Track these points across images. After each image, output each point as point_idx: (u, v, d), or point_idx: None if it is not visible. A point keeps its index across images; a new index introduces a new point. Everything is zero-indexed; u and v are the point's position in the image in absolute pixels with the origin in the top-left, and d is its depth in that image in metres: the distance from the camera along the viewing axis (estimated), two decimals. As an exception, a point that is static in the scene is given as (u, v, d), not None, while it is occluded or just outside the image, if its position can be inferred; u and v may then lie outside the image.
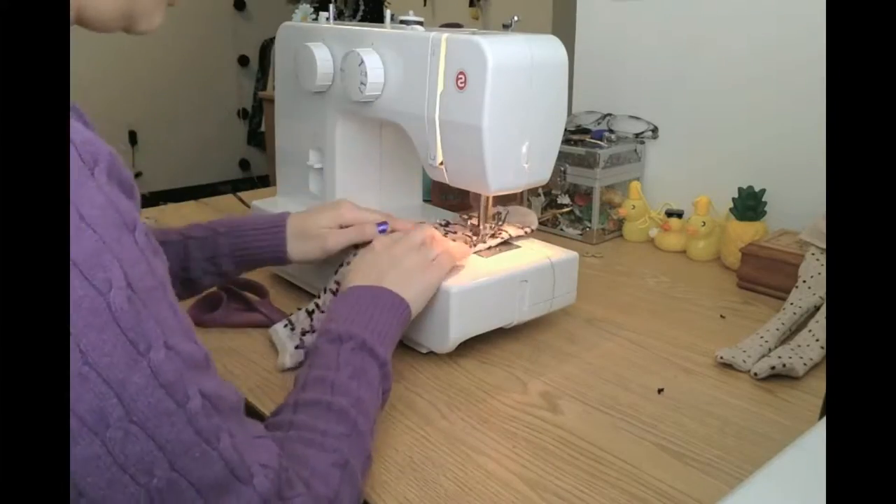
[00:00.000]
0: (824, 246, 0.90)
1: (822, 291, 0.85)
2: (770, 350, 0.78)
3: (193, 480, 0.42)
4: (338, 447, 0.54)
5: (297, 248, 0.83)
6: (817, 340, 0.78)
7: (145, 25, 0.56)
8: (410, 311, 0.70)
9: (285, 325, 0.80)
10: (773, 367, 0.74)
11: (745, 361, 0.76)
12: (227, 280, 0.86)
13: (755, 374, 0.74)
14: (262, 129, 3.77)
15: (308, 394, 0.58)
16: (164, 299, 0.42)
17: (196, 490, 0.42)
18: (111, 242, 0.39)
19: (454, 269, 0.77)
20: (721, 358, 0.77)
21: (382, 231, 0.82)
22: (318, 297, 0.80)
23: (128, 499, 0.40)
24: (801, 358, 0.75)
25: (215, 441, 0.43)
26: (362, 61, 0.81)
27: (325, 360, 0.62)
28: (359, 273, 0.73)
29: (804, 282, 0.88)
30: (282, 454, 0.49)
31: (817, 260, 0.89)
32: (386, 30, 0.84)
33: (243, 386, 0.73)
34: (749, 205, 1.03)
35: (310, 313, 0.80)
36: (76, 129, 0.40)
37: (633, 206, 1.16)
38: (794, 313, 0.84)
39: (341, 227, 0.84)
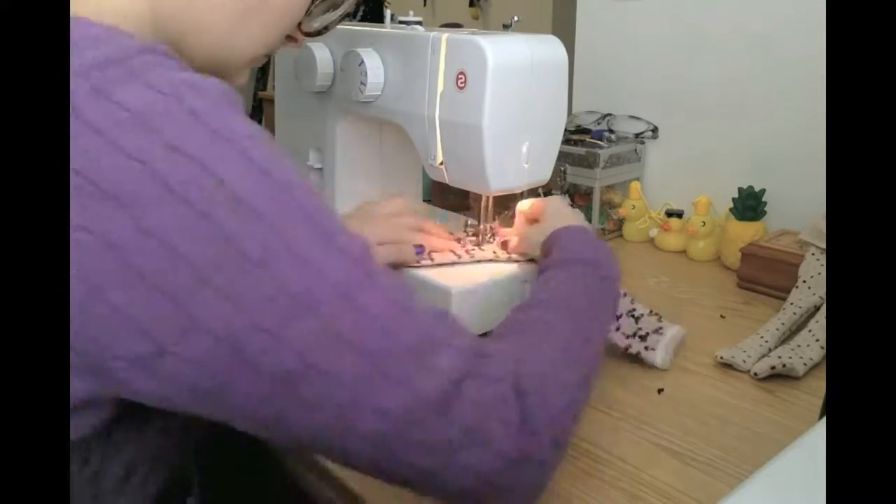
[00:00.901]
0: (824, 246, 0.90)
1: (822, 291, 0.85)
2: (770, 350, 0.78)
3: (405, 342, 0.44)
4: (567, 343, 0.55)
5: None
6: (817, 340, 0.78)
7: (234, 82, 0.58)
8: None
9: None
10: (773, 367, 0.74)
11: (745, 361, 0.76)
12: None
13: (755, 374, 0.74)
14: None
15: (545, 294, 0.62)
16: (320, 198, 0.46)
17: (411, 353, 0.44)
18: (275, 149, 0.44)
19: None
20: (721, 358, 0.77)
21: (419, 254, 0.83)
22: None
23: (352, 364, 0.42)
24: (801, 358, 0.75)
25: (412, 309, 0.46)
26: (362, 61, 0.81)
27: (566, 275, 0.65)
28: (554, 221, 0.78)
29: (804, 282, 0.88)
30: (496, 334, 0.55)
31: (817, 260, 0.89)
32: (386, 30, 0.84)
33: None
34: (749, 205, 1.03)
35: None
36: (212, 79, 0.44)
37: (633, 206, 1.16)
38: (794, 313, 0.84)
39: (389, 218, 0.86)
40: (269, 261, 0.40)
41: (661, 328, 0.79)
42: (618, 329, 0.78)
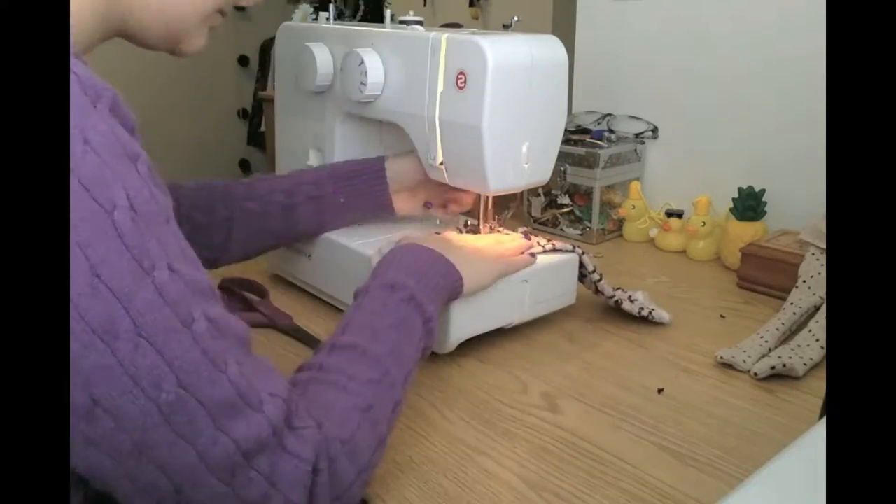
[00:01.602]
0: (824, 246, 0.90)
1: (822, 291, 0.85)
2: (770, 350, 0.78)
3: (202, 399, 0.43)
4: (362, 391, 0.55)
5: (400, 202, 0.88)
6: (817, 340, 0.78)
7: (188, 47, 0.58)
8: (463, 286, 0.72)
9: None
10: (773, 367, 0.74)
11: (745, 361, 0.76)
12: (324, 228, 0.88)
13: (755, 374, 0.74)
14: (262, 129, 3.77)
15: (346, 337, 0.59)
16: (167, 227, 0.44)
17: (205, 409, 0.43)
18: (115, 166, 0.41)
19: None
20: (721, 358, 0.77)
21: (429, 205, 0.90)
22: None
23: (139, 410, 0.41)
24: (801, 358, 0.75)
25: (223, 364, 0.44)
26: (362, 61, 0.81)
27: (373, 305, 0.63)
28: (428, 240, 0.76)
29: (804, 282, 0.88)
30: (299, 390, 0.51)
31: (817, 260, 0.89)
32: (386, 30, 0.84)
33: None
34: (749, 205, 1.03)
35: None
36: (78, 65, 0.42)
37: (633, 206, 1.16)
38: (794, 313, 0.84)
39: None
40: (73, 286, 0.38)
41: (631, 295, 0.88)
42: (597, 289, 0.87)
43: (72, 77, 0.41)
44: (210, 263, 0.81)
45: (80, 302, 0.39)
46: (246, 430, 0.44)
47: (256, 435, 0.45)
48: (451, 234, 0.82)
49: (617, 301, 0.87)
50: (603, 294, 0.88)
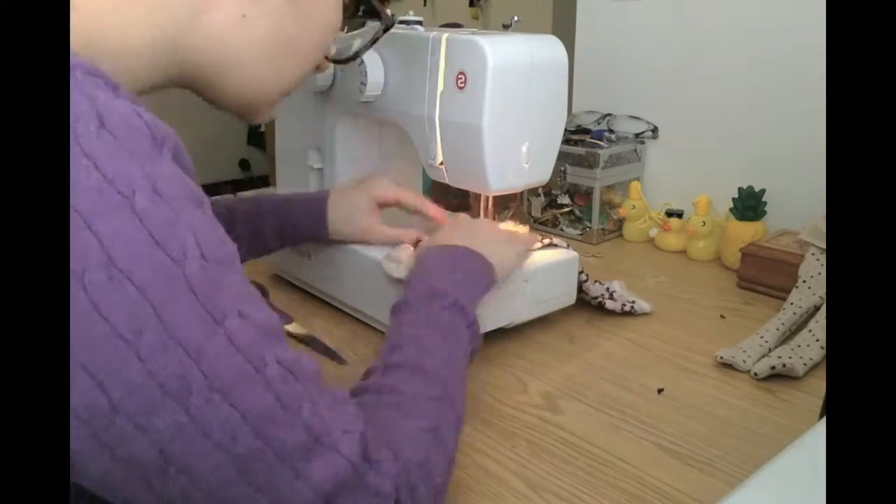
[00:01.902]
0: (824, 246, 0.90)
1: (822, 291, 0.85)
2: (770, 350, 0.78)
3: (277, 447, 0.41)
4: (427, 411, 0.53)
5: (338, 229, 0.85)
6: (817, 340, 0.78)
7: (260, 118, 0.58)
8: (496, 275, 0.72)
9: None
10: (773, 367, 0.74)
11: (744, 361, 0.76)
12: (266, 253, 0.88)
13: (755, 374, 0.74)
14: (262, 129, 3.76)
15: (397, 355, 0.57)
16: (235, 269, 0.43)
17: (280, 457, 0.41)
18: (184, 213, 0.40)
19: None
20: (721, 358, 0.77)
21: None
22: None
23: (215, 466, 0.40)
24: (801, 358, 0.75)
25: (297, 408, 0.42)
26: (362, 61, 0.81)
27: (416, 317, 0.62)
28: (452, 234, 0.75)
29: (804, 282, 0.88)
30: (366, 418, 0.48)
31: (817, 260, 0.89)
32: (386, 30, 0.84)
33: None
34: (749, 205, 1.03)
35: None
36: (142, 110, 0.41)
37: (633, 206, 1.16)
38: (794, 313, 0.84)
39: (379, 204, 0.85)
40: (139, 341, 0.37)
41: (609, 288, 0.91)
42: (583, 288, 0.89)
43: (139, 121, 0.40)
44: None
45: (151, 358, 0.37)
46: (324, 471, 0.43)
47: (335, 476, 0.43)
48: (469, 219, 0.82)
49: (600, 302, 0.89)
50: (587, 294, 0.89)
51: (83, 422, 0.36)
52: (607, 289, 0.90)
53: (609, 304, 0.89)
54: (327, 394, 0.46)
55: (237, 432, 0.40)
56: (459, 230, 0.77)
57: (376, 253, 0.82)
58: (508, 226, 0.87)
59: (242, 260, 0.83)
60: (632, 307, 0.89)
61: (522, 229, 0.87)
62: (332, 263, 0.88)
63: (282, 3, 0.52)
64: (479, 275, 0.70)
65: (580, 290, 0.88)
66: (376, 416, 0.51)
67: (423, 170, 0.88)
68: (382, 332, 0.81)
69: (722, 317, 0.90)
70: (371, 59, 0.82)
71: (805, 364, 0.75)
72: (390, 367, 0.57)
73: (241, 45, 0.51)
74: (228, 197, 0.87)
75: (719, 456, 0.63)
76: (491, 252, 0.72)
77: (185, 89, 0.55)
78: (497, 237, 0.77)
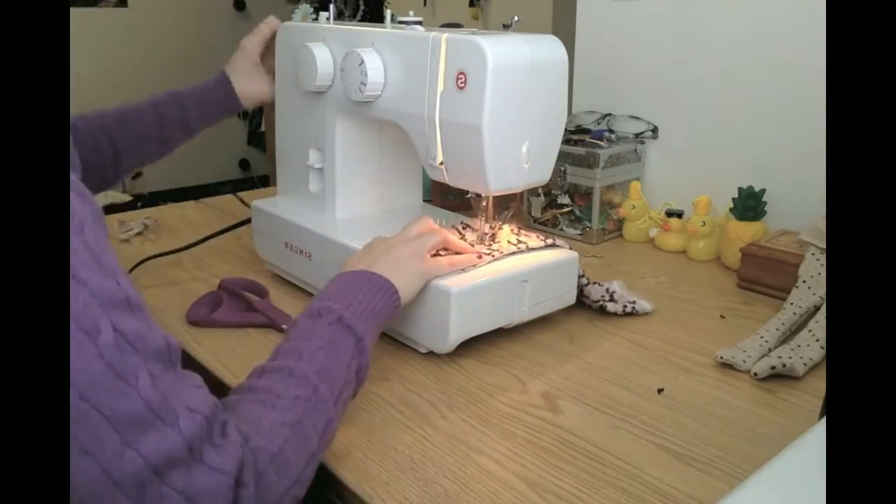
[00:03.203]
0: (824, 246, 0.90)
1: (822, 291, 0.85)
2: (770, 350, 0.78)
3: (105, 413, 0.42)
4: (290, 407, 0.55)
5: (246, 90, 1.03)
6: (817, 340, 0.78)
7: None
8: (399, 294, 0.71)
9: None
10: (773, 367, 0.74)
11: (745, 361, 0.76)
12: (191, 136, 1.07)
13: (755, 374, 0.74)
14: (262, 129, 3.77)
15: (274, 362, 0.60)
16: (77, 237, 0.44)
17: (109, 423, 0.42)
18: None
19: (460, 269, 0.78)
20: (721, 358, 0.77)
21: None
22: None
23: None
24: (801, 358, 0.75)
25: (133, 378, 0.44)
26: (362, 61, 0.81)
27: (300, 332, 0.64)
28: (354, 259, 0.76)
29: (804, 282, 0.88)
30: (230, 409, 0.52)
31: (817, 260, 0.89)
32: (386, 30, 0.84)
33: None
34: (749, 205, 1.03)
35: None
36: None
37: (633, 206, 1.16)
38: (794, 313, 0.84)
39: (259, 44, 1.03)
40: None
41: (609, 289, 0.90)
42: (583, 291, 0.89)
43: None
44: (105, 187, 0.99)
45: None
46: (157, 444, 0.44)
47: (168, 450, 0.44)
48: (380, 241, 0.78)
49: (601, 306, 0.89)
50: (588, 298, 0.89)
51: None
52: (607, 290, 0.90)
53: (610, 307, 0.89)
54: (178, 374, 0.48)
55: (75, 388, 0.41)
56: (364, 252, 0.77)
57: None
58: (413, 228, 0.80)
59: (174, 146, 1.05)
60: (633, 308, 0.89)
61: (460, 246, 0.81)
62: (333, 263, 0.88)
63: None
64: (378, 296, 0.69)
65: (581, 293, 0.88)
66: (240, 408, 0.54)
67: (423, 170, 0.88)
68: (383, 333, 0.81)
69: (722, 317, 0.90)
70: (371, 58, 0.82)
71: (805, 364, 0.75)
72: (265, 371, 0.59)
73: None
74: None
75: (719, 456, 0.63)
76: (392, 270, 0.72)
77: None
78: (402, 251, 0.75)
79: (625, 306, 0.89)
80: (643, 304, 0.89)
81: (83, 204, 0.45)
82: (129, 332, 0.45)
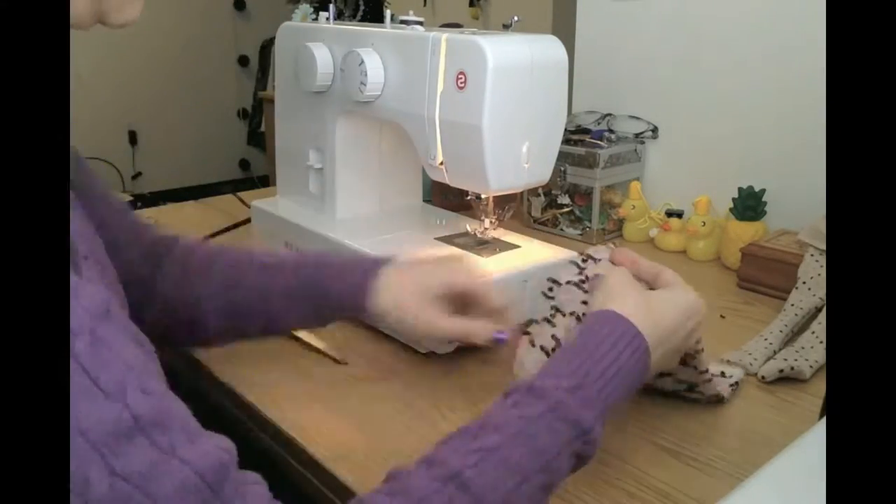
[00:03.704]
0: (822, 247, 0.89)
1: (822, 293, 0.85)
2: (775, 352, 0.78)
3: None
4: None
5: (384, 310, 0.67)
6: (821, 343, 0.78)
7: (119, 19, 0.52)
8: (645, 378, 0.56)
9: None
10: (781, 371, 0.73)
11: (751, 364, 0.76)
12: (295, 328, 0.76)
13: (763, 377, 0.74)
14: (262, 129, 3.77)
15: (446, 454, 0.47)
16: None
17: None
18: None
19: None
20: (728, 361, 0.77)
21: (501, 341, 0.67)
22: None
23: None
24: (807, 360, 0.75)
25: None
26: (362, 61, 0.81)
27: (504, 416, 0.50)
28: (624, 296, 0.58)
29: (804, 283, 0.88)
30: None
31: (816, 261, 0.89)
32: (386, 30, 0.85)
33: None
34: (749, 205, 1.03)
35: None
36: None
37: (633, 206, 1.16)
38: (796, 315, 0.84)
39: (452, 295, 0.68)
40: None
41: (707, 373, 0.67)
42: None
43: None
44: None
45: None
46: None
47: None
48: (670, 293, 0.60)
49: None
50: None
51: None
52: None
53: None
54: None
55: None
56: (644, 302, 0.58)
57: (378, 253, 0.82)
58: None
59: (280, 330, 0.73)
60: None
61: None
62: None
63: None
64: (632, 372, 0.54)
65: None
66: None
67: (423, 170, 0.88)
68: (383, 333, 0.81)
69: (722, 317, 0.90)
70: (371, 58, 0.82)
71: (811, 366, 0.74)
72: (432, 463, 0.47)
73: None
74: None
75: (719, 456, 0.63)
76: (660, 344, 0.56)
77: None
78: (675, 332, 0.58)
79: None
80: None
81: (91, 293, 0.38)
82: (135, 473, 0.35)
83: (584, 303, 0.62)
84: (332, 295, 0.68)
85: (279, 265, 0.70)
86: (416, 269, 0.69)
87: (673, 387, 0.68)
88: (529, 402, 0.50)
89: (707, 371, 0.65)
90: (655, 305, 0.58)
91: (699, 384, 0.66)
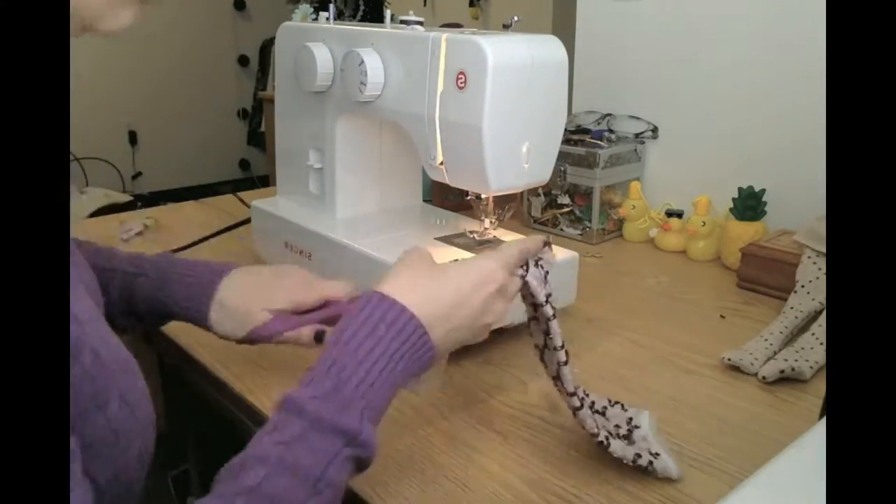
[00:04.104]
0: (819, 248, 0.90)
1: (821, 297, 0.85)
2: (775, 353, 0.78)
3: None
4: None
5: (226, 321, 0.67)
6: (821, 344, 0.78)
7: (106, 26, 0.50)
8: (433, 360, 0.55)
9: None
10: (782, 371, 0.73)
11: (752, 364, 0.76)
12: (145, 327, 0.73)
13: (763, 377, 0.74)
14: (262, 129, 3.77)
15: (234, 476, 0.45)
16: None
17: None
18: None
19: None
20: (728, 360, 0.77)
21: (319, 336, 0.66)
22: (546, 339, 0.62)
23: None
24: (808, 361, 0.75)
25: None
26: (362, 61, 0.81)
27: (281, 435, 0.47)
28: (415, 280, 0.54)
29: (802, 286, 0.88)
30: None
31: (814, 263, 0.89)
32: (386, 30, 0.84)
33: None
34: (749, 205, 1.03)
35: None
36: None
37: (633, 206, 1.16)
38: (796, 317, 0.84)
39: (295, 310, 0.67)
40: None
41: (631, 420, 0.64)
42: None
43: None
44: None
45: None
46: None
47: None
48: (450, 272, 0.56)
49: (601, 440, 0.60)
50: (563, 391, 0.62)
51: None
52: (629, 420, 0.64)
53: (616, 448, 0.60)
54: None
55: None
56: (434, 283, 0.55)
57: (378, 253, 0.82)
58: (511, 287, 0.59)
59: (121, 329, 0.70)
60: (650, 464, 0.59)
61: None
62: (333, 263, 0.88)
63: None
64: (411, 360, 0.52)
65: (556, 379, 0.63)
66: None
67: (423, 170, 0.88)
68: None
69: (722, 317, 0.90)
70: (371, 58, 0.82)
71: (811, 367, 0.74)
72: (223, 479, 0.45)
73: None
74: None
75: (719, 456, 0.63)
76: (451, 329, 0.54)
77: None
78: (469, 318, 0.56)
79: (638, 455, 0.59)
80: (667, 464, 0.59)
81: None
82: None
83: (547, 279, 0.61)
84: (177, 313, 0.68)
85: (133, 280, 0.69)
86: (257, 283, 0.68)
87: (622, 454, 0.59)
88: (287, 422, 0.47)
89: (575, 395, 0.60)
90: (434, 279, 0.55)
91: (651, 459, 0.59)
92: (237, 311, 0.67)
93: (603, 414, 0.64)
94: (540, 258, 0.61)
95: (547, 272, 0.62)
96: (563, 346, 0.60)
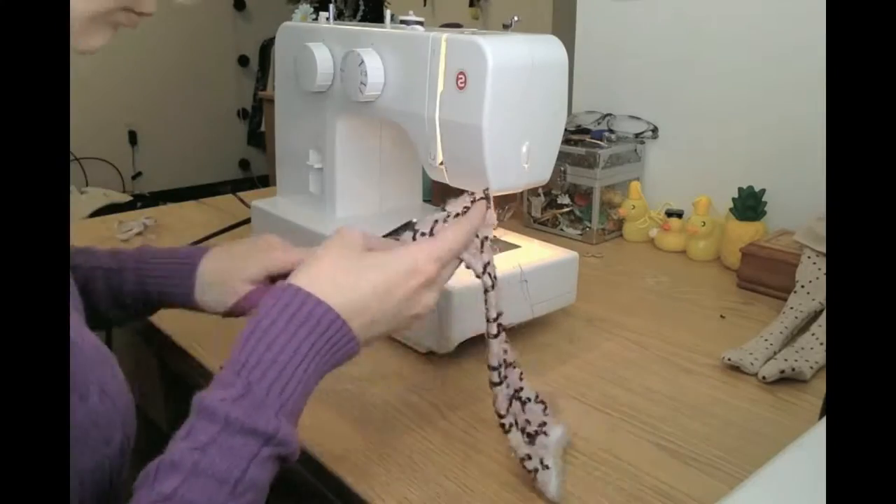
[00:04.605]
0: (818, 248, 0.90)
1: (821, 297, 0.85)
2: (775, 353, 0.78)
3: None
4: None
5: (209, 296, 0.68)
6: (821, 344, 0.78)
7: (78, 47, 0.50)
8: (356, 352, 0.54)
9: None
10: (782, 371, 0.73)
11: (752, 364, 0.76)
12: (136, 318, 0.74)
13: (763, 377, 0.74)
14: (262, 129, 3.77)
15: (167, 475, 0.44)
16: None
17: None
18: None
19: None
20: (729, 359, 0.77)
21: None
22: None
23: None
24: (808, 361, 0.75)
25: None
26: (362, 61, 0.81)
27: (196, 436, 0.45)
28: (330, 270, 0.53)
29: (802, 287, 0.88)
30: None
31: (814, 263, 0.89)
32: (386, 30, 0.84)
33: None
34: (749, 205, 1.03)
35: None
36: None
37: (633, 206, 1.16)
38: (796, 317, 0.84)
39: (271, 277, 0.68)
40: None
41: (545, 424, 0.61)
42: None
43: None
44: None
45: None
46: None
47: None
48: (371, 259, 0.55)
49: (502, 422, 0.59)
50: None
51: None
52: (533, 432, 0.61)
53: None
54: None
55: None
56: (353, 270, 0.53)
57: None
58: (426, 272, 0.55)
59: (112, 323, 0.73)
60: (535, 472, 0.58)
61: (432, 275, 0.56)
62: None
63: None
64: (332, 353, 0.51)
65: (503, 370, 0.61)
66: None
67: (423, 170, 0.88)
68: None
69: (722, 317, 0.90)
70: (371, 58, 0.82)
71: (812, 367, 0.74)
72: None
73: None
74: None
75: (719, 456, 0.63)
76: (377, 325, 0.53)
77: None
78: (394, 307, 0.54)
79: (528, 457, 0.57)
80: (550, 480, 0.57)
81: None
82: None
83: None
84: (163, 298, 0.69)
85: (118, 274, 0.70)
86: (230, 258, 0.69)
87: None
88: (200, 426, 0.45)
89: (497, 370, 0.59)
90: (357, 268, 0.53)
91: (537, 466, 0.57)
92: (218, 285, 0.67)
93: (523, 404, 0.62)
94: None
95: (486, 238, 0.59)
96: (496, 320, 0.59)
